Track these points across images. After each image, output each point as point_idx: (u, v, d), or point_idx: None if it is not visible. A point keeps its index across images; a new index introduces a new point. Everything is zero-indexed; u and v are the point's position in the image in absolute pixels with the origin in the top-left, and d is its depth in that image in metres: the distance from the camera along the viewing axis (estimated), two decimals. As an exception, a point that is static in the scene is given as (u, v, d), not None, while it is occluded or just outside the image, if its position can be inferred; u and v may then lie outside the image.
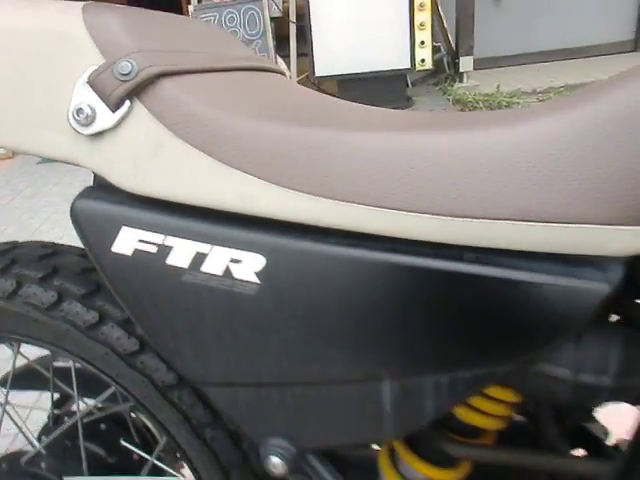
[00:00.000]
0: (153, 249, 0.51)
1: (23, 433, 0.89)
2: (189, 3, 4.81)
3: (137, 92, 0.49)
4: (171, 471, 0.81)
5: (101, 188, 0.54)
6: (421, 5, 4.13)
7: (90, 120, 0.49)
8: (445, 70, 5.19)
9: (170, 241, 0.50)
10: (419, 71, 4.51)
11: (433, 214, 0.44)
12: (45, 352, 0.85)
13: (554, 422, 0.60)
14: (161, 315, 0.53)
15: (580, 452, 0.64)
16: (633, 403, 0.52)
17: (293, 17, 4.66)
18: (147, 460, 0.81)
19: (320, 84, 4.72)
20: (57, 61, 0.50)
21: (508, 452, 0.59)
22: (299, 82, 4.75)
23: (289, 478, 0.63)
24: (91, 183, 0.58)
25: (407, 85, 5.02)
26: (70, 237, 2.78)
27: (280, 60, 4.81)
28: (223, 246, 0.49)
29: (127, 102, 0.49)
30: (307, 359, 0.51)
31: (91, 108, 0.49)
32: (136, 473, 0.86)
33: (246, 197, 0.47)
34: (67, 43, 0.50)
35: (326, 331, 0.49)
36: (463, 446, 0.59)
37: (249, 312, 0.50)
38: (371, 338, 0.49)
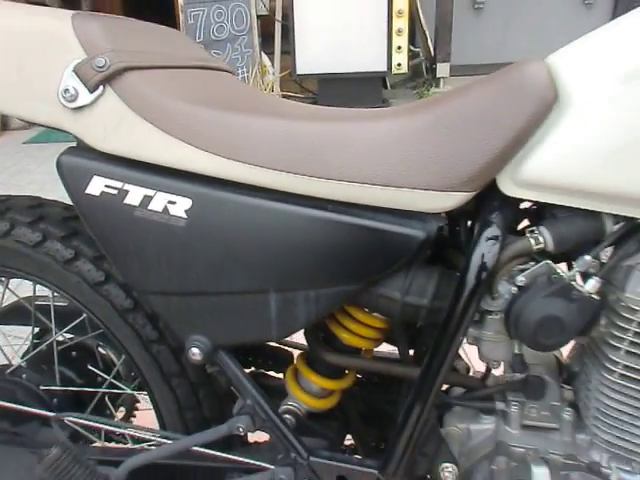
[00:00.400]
0: (115, 192, 0.70)
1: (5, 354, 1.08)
2: (179, -3, 4.95)
3: (109, 80, 0.68)
4: (125, 388, 1.01)
5: (79, 147, 0.73)
6: (399, 12, 4.35)
7: (74, 98, 0.68)
8: (423, 75, 5.41)
9: (127, 187, 0.70)
10: (395, 74, 4.72)
11: (310, 176, 0.64)
12: (30, 293, 1.04)
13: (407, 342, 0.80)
14: (119, 240, 0.72)
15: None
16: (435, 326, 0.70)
17: (279, 16, 4.80)
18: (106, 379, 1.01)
19: (302, 82, 4.89)
20: (51, 54, 0.69)
21: (374, 361, 0.80)
22: (282, 79, 4.91)
23: (208, 370, 0.82)
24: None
25: (386, 87, 5.23)
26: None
27: (265, 56, 4.96)
28: (163, 191, 0.69)
29: (101, 87, 0.68)
30: (219, 275, 0.70)
31: (75, 89, 0.68)
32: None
33: (181, 158, 0.67)
34: (59, 41, 0.69)
35: (233, 255, 0.69)
36: (342, 356, 0.79)
37: (180, 239, 0.69)
38: (262, 262, 0.69)
